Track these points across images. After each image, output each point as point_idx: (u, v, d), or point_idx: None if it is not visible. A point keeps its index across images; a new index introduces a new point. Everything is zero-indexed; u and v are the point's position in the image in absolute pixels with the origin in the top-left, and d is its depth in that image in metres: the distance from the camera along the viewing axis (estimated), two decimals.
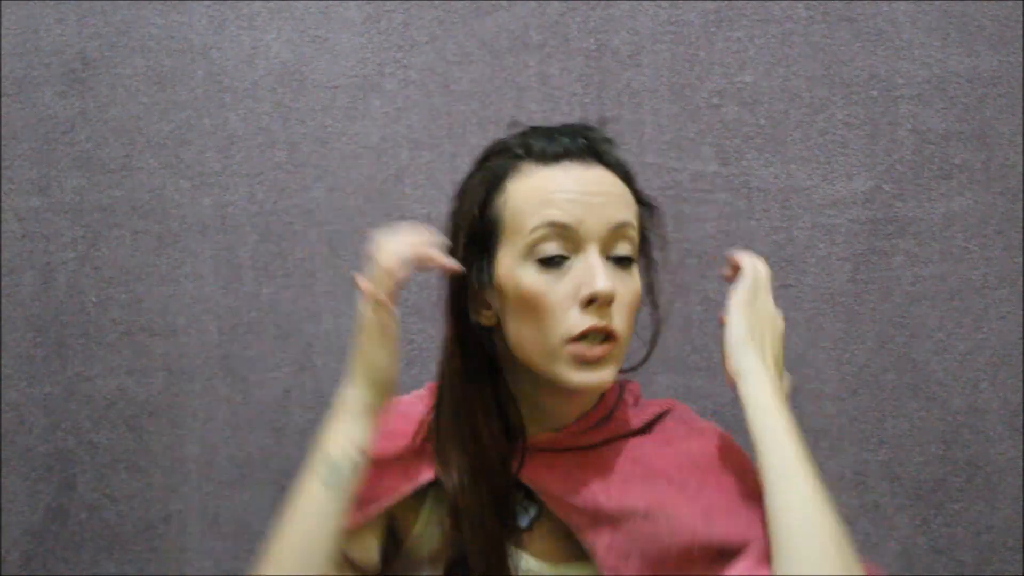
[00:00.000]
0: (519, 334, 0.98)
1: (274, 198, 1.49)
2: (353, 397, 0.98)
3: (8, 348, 1.49)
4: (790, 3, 1.48)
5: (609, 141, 1.02)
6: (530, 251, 0.96)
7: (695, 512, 0.96)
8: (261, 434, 1.50)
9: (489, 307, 1.01)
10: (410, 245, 0.98)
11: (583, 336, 0.95)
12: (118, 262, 1.50)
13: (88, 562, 1.49)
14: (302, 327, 1.49)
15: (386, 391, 0.99)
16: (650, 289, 1.07)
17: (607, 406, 1.05)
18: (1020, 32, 1.47)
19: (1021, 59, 1.47)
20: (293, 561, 0.95)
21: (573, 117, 1.46)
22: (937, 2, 1.47)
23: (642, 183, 1.49)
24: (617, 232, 0.98)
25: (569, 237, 0.96)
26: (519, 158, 1.00)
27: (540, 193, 0.97)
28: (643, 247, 1.05)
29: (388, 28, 1.49)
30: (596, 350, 0.95)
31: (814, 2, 1.47)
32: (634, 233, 1.00)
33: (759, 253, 1.46)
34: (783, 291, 1.48)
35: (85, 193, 1.50)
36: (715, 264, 1.48)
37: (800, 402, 1.48)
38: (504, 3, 1.48)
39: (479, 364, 1.01)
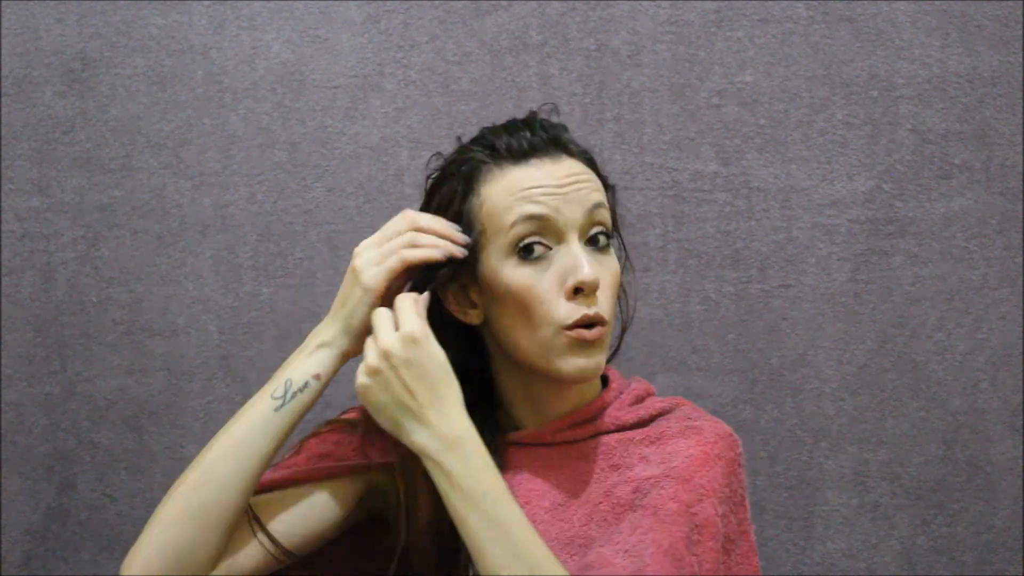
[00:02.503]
0: (511, 330, 0.99)
1: (274, 198, 1.49)
2: (327, 335, 1.00)
3: (8, 348, 1.49)
4: (790, 3, 1.48)
5: (567, 130, 1.04)
6: (512, 247, 0.98)
7: (618, 552, 0.94)
8: None
9: (475, 305, 1.02)
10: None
11: (575, 326, 0.96)
12: (118, 262, 1.50)
13: (88, 562, 1.49)
14: (302, 327, 1.49)
15: (359, 342, 0.99)
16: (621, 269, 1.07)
17: (602, 404, 1.04)
18: (1020, 32, 1.47)
19: (1021, 59, 1.47)
20: (221, 471, 0.96)
21: (573, 117, 1.46)
22: (937, 2, 1.47)
23: (642, 183, 1.50)
24: (593, 214, 0.99)
25: (549, 228, 0.97)
26: (487, 161, 1.01)
27: (515, 191, 0.98)
28: (615, 227, 1.06)
29: (388, 28, 1.49)
30: (593, 331, 0.96)
31: (814, 2, 1.47)
32: (607, 214, 1.01)
33: (759, 253, 1.48)
34: (783, 291, 1.48)
35: (85, 193, 1.50)
36: (715, 264, 1.48)
37: (800, 402, 1.48)
38: (504, 3, 1.48)
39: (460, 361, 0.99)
